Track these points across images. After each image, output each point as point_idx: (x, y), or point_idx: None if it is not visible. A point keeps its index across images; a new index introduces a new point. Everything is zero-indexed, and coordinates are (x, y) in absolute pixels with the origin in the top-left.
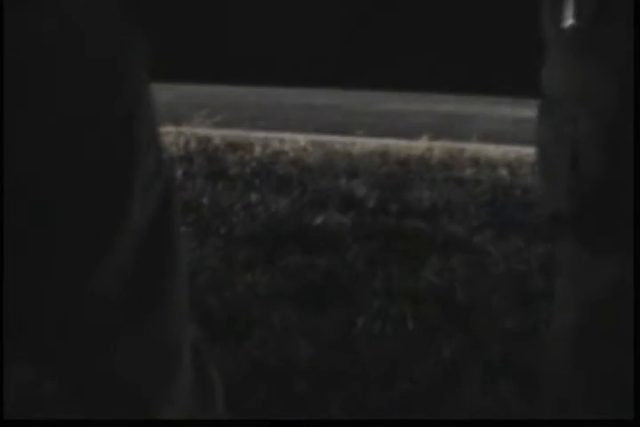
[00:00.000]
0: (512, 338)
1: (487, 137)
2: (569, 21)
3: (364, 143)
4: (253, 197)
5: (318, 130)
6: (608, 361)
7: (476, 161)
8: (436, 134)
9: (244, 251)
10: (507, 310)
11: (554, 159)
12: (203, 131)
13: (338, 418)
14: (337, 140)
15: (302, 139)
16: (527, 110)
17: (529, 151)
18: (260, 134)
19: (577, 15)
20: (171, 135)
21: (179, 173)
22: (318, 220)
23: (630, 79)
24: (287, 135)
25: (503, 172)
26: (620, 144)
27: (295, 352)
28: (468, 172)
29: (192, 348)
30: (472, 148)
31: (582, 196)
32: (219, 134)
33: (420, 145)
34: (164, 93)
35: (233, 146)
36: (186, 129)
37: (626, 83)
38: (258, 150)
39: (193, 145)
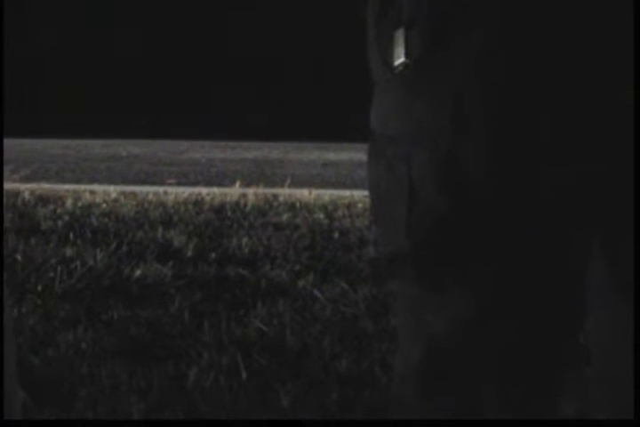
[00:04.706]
0: (348, 381)
1: (298, 182)
2: (400, 60)
3: (176, 192)
4: (69, 251)
5: (128, 180)
6: (454, 399)
7: (291, 205)
8: (248, 181)
9: (65, 307)
10: (339, 353)
11: (390, 200)
12: (10, 185)
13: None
14: (149, 190)
15: (113, 190)
16: (333, 154)
17: (341, 194)
18: (70, 187)
19: (408, 53)
20: None
21: None
22: (138, 271)
23: (462, 114)
24: (97, 187)
25: (320, 215)
26: (457, 179)
27: (127, 409)
28: (285, 217)
29: (23, 412)
30: (285, 193)
31: (421, 234)
32: (27, 188)
33: (233, 192)
34: None
35: (43, 200)
36: None
37: (458, 117)
38: (69, 203)
39: None
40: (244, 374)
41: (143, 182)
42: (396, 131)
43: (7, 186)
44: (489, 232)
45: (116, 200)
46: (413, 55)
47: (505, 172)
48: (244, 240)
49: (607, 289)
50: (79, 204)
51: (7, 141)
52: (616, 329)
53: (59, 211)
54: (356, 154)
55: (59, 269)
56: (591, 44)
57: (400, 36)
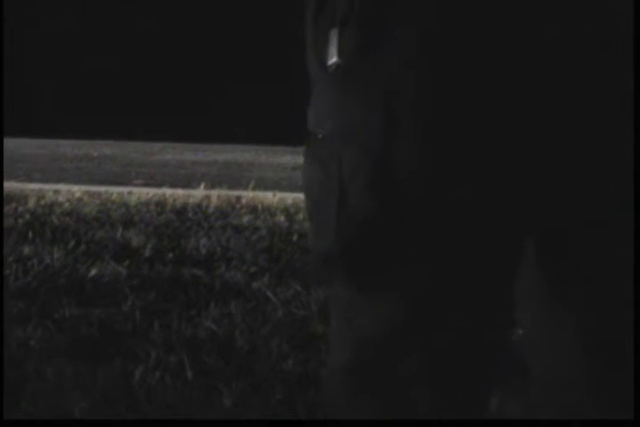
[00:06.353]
0: (294, 381)
1: (266, 184)
2: (333, 59)
3: (140, 193)
4: (27, 249)
5: (95, 181)
6: (382, 400)
7: (253, 208)
8: (215, 183)
9: (17, 305)
10: (287, 353)
11: (322, 200)
12: None
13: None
14: (113, 191)
15: (78, 189)
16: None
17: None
18: (36, 186)
19: (340, 52)
20: None
21: None
22: (93, 271)
23: (393, 115)
24: (63, 186)
25: (281, 218)
26: (387, 179)
27: (69, 406)
28: (246, 219)
29: None
30: (249, 195)
31: (351, 235)
32: None
33: (197, 193)
34: None
35: (7, 198)
36: None
37: (389, 118)
38: (32, 202)
39: None
40: (189, 374)
41: (110, 183)
42: (329, 131)
43: None
44: (418, 233)
45: (79, 200)
46: (346, 55)
47: (435, 172)
48: (203, 241)
49: (542, 295)
50: (42, 202)
51: None
52: (552, 335)
53: (20, 209)
54: None
55: (14, 266)
56: (522, 42)
57: (334, 36)
